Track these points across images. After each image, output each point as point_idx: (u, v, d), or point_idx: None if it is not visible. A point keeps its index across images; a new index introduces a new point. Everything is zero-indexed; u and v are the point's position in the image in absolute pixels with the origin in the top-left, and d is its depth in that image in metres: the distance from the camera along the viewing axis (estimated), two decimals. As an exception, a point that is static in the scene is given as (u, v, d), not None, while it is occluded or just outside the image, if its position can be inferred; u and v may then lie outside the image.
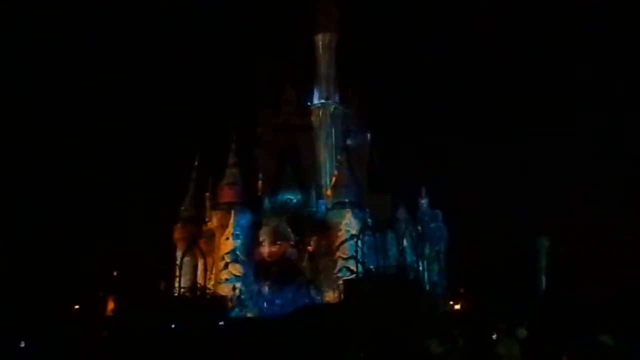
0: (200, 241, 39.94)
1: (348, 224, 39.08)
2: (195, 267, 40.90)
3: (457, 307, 43.76)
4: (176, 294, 36.13)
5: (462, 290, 46.07)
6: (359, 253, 35.14)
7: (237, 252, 38.57)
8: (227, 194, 40.22)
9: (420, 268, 40.51)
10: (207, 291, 37.46)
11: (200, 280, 39.51)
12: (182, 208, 43.67)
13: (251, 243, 39.32)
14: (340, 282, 36.94)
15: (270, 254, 39.29)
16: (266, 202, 41.60)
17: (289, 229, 39.82)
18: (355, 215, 39.35)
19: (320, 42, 47.27)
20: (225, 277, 38.01)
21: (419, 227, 43.16)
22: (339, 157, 43.06)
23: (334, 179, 42.20)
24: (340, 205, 40.05)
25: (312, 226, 40.67)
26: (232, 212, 39.13)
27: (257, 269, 39.00)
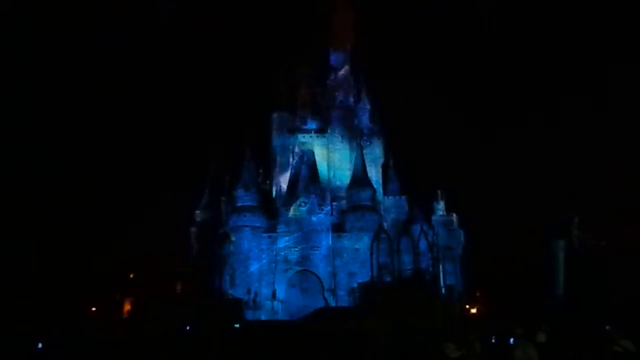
0: (215, 244, 40.11)
1: None
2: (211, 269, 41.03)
3: (474, 311, 43.24)
4: (192, 296, 36.21)
5: (478, 293, 45.51)
6: (374, 256, 35.01)
7: (252, 254, 38.65)
8: (241, 198, 40.34)
9: (436, 272, 40.09)
10: (223, 293, 37.56)
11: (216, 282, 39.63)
12: (198, 211, 43.94)
13: (266, 246, 39.38)
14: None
15: (286, 255, 39.29)
16: (281, 205, 41.61)
17: (303, 231, 39.79)
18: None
19: (336, 46, 47.24)
20: (241, 280, 38.12)
21: (435, 231, 42.76)
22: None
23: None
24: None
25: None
26: (246, 215, 39.23)
27: (273, 271, 39.01)
